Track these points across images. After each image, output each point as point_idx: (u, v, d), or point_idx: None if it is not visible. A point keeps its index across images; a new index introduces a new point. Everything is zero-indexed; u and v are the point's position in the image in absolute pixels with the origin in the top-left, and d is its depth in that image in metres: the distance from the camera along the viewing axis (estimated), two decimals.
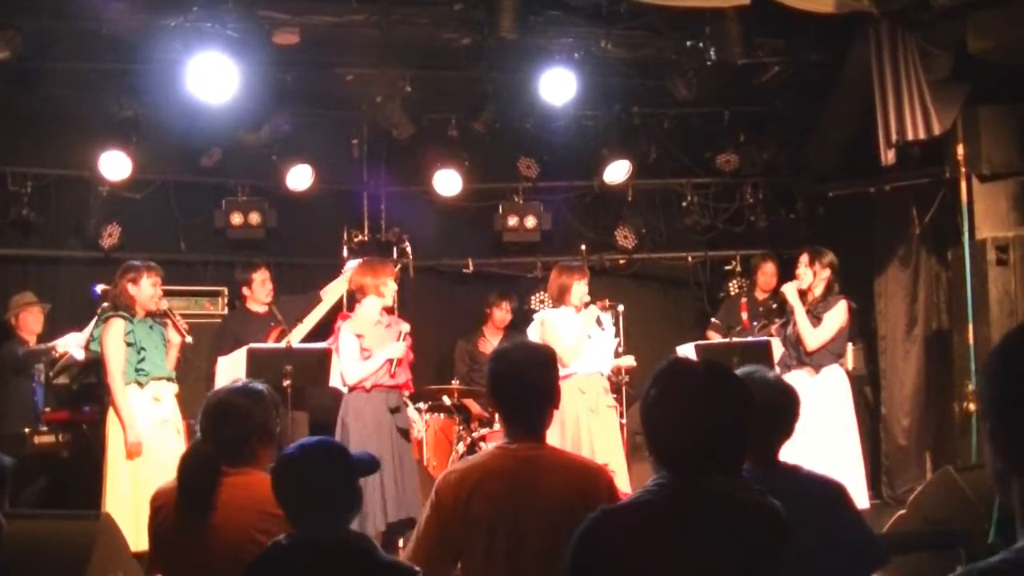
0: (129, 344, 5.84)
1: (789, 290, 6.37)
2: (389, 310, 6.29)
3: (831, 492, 2.88)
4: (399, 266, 7.90)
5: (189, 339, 6.11)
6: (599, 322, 6.23)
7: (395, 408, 5.93)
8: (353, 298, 6.45)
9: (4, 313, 7.13)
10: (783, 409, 2.91)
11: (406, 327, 6.13)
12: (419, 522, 3.02)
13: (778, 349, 6.45)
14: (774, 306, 7.02)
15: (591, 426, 6.05)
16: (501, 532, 2.85)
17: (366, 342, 5.94)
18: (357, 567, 2.55)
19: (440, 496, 2.93)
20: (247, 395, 3.19)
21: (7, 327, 7.08)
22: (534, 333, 6.26)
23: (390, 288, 6.13)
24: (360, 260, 6.55)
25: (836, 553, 2.70)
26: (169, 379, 5.99)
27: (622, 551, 2.02)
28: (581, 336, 6.16)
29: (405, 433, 6.01)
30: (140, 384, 5.84)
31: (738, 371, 2.91)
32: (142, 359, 5.85)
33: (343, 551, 2.57)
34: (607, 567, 2.02)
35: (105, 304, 6.08)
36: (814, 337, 6.22)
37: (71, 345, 6.50)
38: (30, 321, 7.05)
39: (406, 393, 6.25)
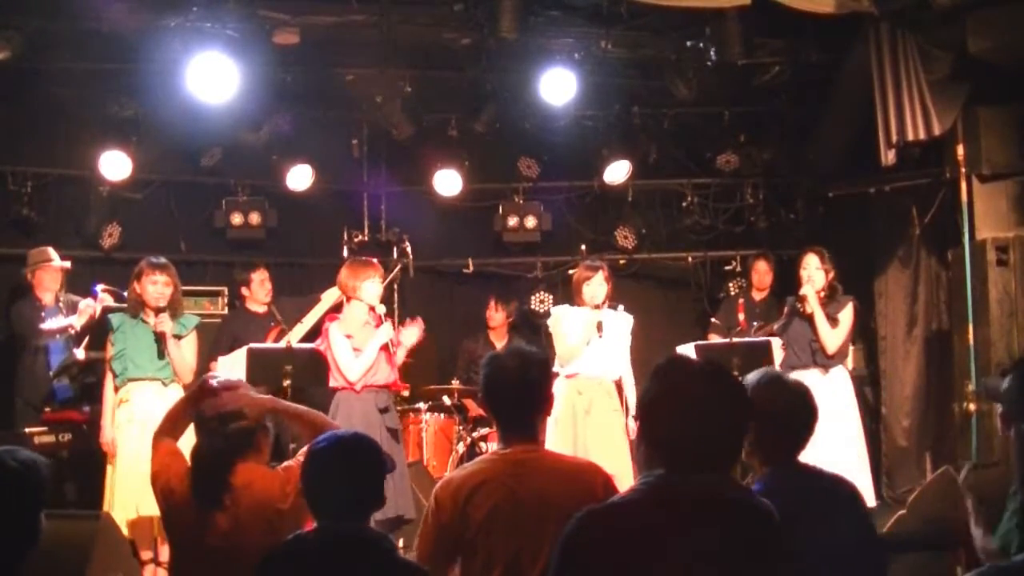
0: (112, 344, 5.92)
1: (811, 293, 6.35)
2: (376, 312, 6.05)
3: (845, 493, 2.89)
4: (399, 266, 7.91)
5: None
6: (599, 328, 6.09)
7: (384, 408, 5.92)
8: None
9: (22, 270, 7.00)
10: (800, 411, 2.92)
11: (382, 308, 6.01)
12: (420, 527, 3.05)
13: (778, 349, 6.45)
14: (772, 310, 7.00)
15: (586, 427, 6.02)
16: (499, 536, 2.86)
17: (355, 342, 5.90)
18: (376, 564, 2.56)
19: (439, 501, 2.96)
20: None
21: (24, 286, 6.95)
22: (550, 326, 6.37)
23: (370, 289, 5.94)
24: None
25: (846, 554, 2.71)
26: (155, 379, 5.92)
27: (609, 551, 2.00)
28: (584, 338, 6.11)
29: (395, 433, 5.98)
30: (116, 387, 5.91)
31: (753, 374, 2.94)
32: (119, 359, 5.89)
33: (364, 546, 2.57)
34: (594, 568, 2.00)
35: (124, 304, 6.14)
36: (834, 339, 6.27)
37: (86, 313, 6.40)
38: (47, 280, 6.82)
39: (404, 393, 6.21)
